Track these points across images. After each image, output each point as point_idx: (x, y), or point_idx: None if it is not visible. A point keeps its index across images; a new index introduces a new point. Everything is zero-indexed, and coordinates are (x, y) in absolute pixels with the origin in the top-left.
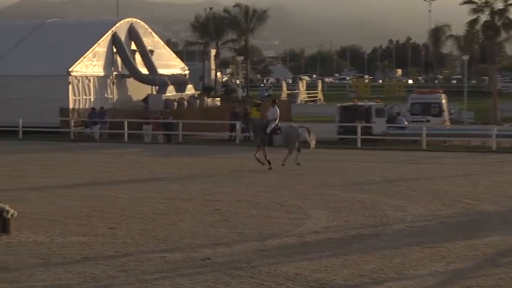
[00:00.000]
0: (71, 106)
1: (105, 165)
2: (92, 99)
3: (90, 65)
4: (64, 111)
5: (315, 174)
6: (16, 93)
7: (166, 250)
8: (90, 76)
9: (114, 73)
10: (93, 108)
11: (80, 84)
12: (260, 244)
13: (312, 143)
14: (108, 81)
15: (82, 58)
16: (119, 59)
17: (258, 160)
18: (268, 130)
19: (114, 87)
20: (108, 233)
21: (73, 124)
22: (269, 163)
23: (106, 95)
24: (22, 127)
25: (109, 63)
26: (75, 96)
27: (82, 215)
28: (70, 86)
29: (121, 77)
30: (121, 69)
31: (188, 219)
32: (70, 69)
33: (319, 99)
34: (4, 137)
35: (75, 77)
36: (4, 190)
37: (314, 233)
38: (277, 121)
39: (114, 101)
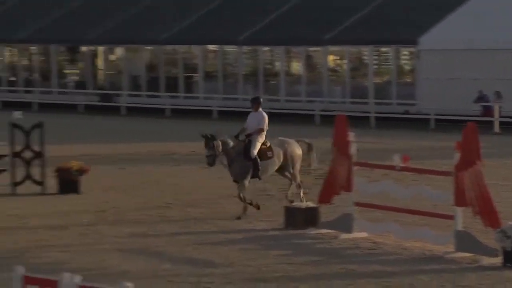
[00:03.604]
0: None
1: None
2: None
3: None
4: None
5: None
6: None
7: None
8: None
9: None
10: None
11: None
12: None
13: (314, 162)
14: None
15: None
16: None
17: (244, 200)
18: (251, 153)
19: None
20: None
21: None
22: (246, 207)
23: None
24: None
25: None
26: None
27: None
28: None
29: None
30: None
31: None
32: None
33: None
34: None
35: None
36: None
37: None
38: (264, 137)
39: None
